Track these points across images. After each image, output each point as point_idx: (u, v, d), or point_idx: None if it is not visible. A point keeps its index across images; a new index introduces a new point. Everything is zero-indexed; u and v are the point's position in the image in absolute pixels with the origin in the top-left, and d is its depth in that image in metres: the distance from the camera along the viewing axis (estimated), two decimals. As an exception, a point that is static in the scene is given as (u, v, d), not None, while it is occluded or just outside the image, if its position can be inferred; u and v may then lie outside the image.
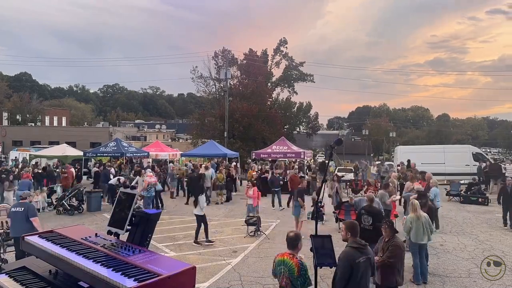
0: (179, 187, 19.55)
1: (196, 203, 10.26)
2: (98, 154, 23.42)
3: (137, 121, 79.17)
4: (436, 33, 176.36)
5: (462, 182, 20.01)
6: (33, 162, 24.72)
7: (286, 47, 44.80)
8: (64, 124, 59.83)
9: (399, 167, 21.30)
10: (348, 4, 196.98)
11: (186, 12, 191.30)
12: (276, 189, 16.50)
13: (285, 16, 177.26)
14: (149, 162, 25.46)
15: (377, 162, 30.79)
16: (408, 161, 21.13)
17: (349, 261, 4.33)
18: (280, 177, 18.78)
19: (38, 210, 13.11)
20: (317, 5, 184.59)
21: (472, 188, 17.58)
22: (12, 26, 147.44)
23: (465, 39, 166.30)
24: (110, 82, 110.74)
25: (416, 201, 7.78)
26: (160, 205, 15.56)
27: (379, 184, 20.34)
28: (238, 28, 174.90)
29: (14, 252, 7.75)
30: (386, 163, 28.26)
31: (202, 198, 10.22)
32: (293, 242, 4.32)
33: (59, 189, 17.09)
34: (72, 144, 30.99)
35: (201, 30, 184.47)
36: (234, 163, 24.08)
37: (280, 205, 15.97)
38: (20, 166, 22.39)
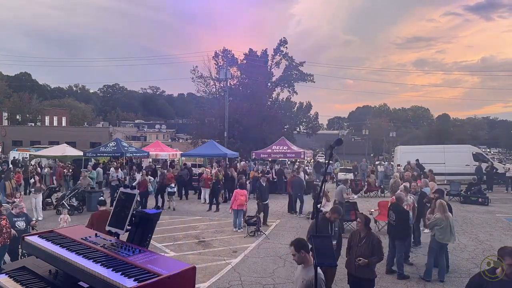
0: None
1: None
2: (98, 154, 23.38)
3: (137, 121, 79.08)
4: (399, 35, 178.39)
5: (462, 182, 19.97)
6: (33, 162, 24.70)
7: (286, 47, 44.83)
8: (64, 124, 59.67)
9: (399, 167, 21.33)
10: (315, 5, 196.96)
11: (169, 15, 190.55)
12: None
13: (258, 18, 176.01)
14: (150, 161, 25.51)
15: (384, 163, 29.50)
16: (408, 162, 21.07)
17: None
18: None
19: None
20: (285, 6, 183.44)
21: (472, 188, 17.56)
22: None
23: (428, 40, 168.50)
24: (110, 82, 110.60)
25: (444, 202, 7.91)
26: (160, 204, 15.60)
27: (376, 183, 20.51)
28: (203, 31, 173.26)
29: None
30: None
31: None
32: None
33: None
34: (72, 144, 30.90)
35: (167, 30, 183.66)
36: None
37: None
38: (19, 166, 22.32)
